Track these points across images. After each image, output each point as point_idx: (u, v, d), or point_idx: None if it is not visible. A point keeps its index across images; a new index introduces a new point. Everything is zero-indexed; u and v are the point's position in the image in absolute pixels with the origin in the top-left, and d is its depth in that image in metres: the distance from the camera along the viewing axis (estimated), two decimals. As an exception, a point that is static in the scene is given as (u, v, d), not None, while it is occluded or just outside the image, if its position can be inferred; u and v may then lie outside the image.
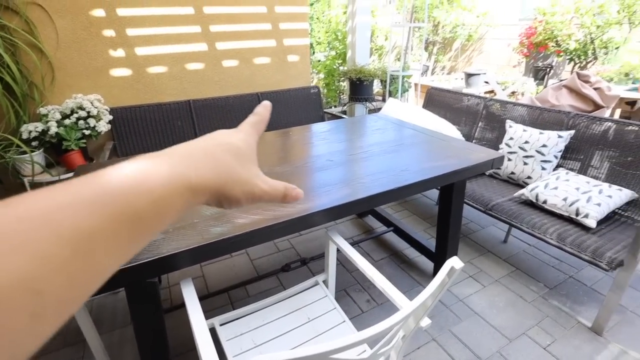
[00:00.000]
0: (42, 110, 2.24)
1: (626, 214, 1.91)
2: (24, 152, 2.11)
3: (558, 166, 2.23)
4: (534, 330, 1.71)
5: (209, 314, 1.77)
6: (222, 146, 0.31)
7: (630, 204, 1.91)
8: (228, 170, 0.29)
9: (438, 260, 2.00)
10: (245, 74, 3.06)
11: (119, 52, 2.52)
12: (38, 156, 2.21)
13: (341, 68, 4.70)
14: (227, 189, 0.29)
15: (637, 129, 1.95)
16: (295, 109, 3.21)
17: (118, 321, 1.82)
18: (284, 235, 1.27)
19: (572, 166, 2.20)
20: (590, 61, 4.53)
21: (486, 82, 4.60)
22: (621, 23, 4.17)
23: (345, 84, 4.73)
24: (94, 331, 1.53)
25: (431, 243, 2.08)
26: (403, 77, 4.31)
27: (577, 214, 1.80)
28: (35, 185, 2.25)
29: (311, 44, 5.43)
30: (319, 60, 5.23)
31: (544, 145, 2.20)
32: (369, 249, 2.36)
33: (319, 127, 2.25)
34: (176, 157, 0.27)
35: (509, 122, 2.45)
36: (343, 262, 2.20)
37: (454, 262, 0.77)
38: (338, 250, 1.41)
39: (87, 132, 2.28)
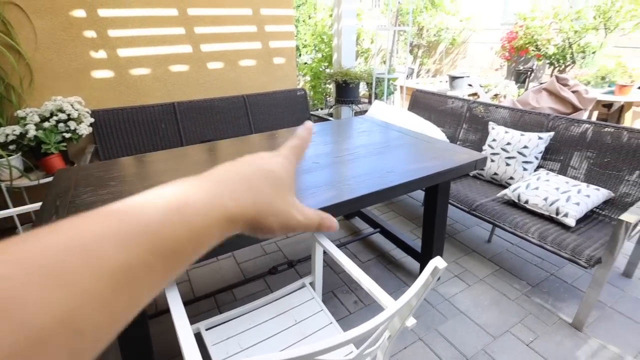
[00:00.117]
0: (20, 113, 2.18)
1: (603, 213, 1.97)
2: (1, 157, 2.05)
3: (539, 167, 2.29)
4: (517, 328, 1.74)
5: (195, 318, 1.74)
6: (261, 173, 0.30)
7: (607, 203, 1.97)
8: (265, 200, 0.29)
9: (424, 260, 2.03)
10: (230, 76, 3.05)
11: (101, 54, 2.48)
12: (16, 160, 2.15)
13: (327, 70, 4.72)
14: (262, 218, 0.28)
15: (613, 130, 2.02)
16: (282, 111, 3.20)
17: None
18: (271, 238, 1.26)
19: (552, 167, 2.26)
20: (569, 65, 4.67)
21: (470, 85, 4.68)
22: (597, 28, 4.32)
23: (331, 87, 4.75)
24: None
25: (417, 244, 2.10)
26: (389, 79, 4.35)
27: (557, 213, 1.85)
28: (13, 190, 2.19)
29: (297, 47, 5.44)
30: (306, 63, 5.24)
31: (525, 147, 2.25)
32: (356, 250, 2.37)
33: (305, 130, 2.24)
34: (214, 183, 0.26)
35: (491, 124, 2.51)
36: (330, 264, 2.20)
37: (437, 262, 0.78)
38: (325, 252, 1.41)
39: (67, 135, 2.23)
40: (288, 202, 0.31)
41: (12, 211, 1.47)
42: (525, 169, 2.25)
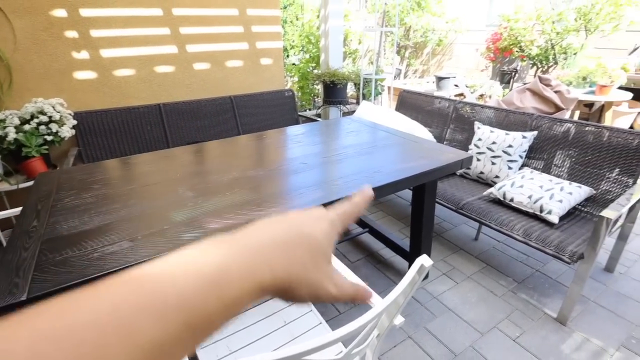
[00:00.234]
0: None
1: (585, 210, 2.02)
2: (-20, 160, 1.99)
3: (523, 165, 2.33)
4: (504, 323, 1.77)
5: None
6: (300, 238, 0.28)
7: (589, 200, 2.02)
8: (300, 270, 0.27)
9: (412, 259, 2.03)
10: (217, 77, 3.02)
11: (83, 54, 2.43)
12: (-5, 163, 2.09)
13: (315, 71, 4.72)
14: (294, 288, 0.27)
15: (594, 129, 2.07)
16: (270, 112, 3.19)
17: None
18: (258, 239, 1.25)
19: (536, 165, 2.30)
20: (552, 66, 4.77)
21: (456, 86, 4.74)
22: (578, 30, 4.42)
23: (319, 87, 4.75)
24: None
25: (406, 243, 2.11)
26: (376, 80, 4.38)
27: (541, 211, 1.88)
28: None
29: (285, 48, 5.43)
30: (294, 64, 5.23)
31: (509, 146, 2.29)
32: (346, 250, 2.38)
33: (293, 130, 2.24)
34: (249, 251, 0.25)
35: (477, 124, 2.54)
36: (319, 264, 2.20)
37: (423, 260, 0.79)
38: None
39: (49, 138, 2.17)
40: (323, 272, 0.29)
41: (-9, 216, 1.43)
42: (510, 168, 2.28)
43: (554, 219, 1.83)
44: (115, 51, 2.53)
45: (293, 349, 0.63)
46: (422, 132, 2.72)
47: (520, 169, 2.30)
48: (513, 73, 5.26)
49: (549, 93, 3.03)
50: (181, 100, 2.83)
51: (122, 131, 2.57)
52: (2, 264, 0.96)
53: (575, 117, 4.04)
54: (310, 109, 5.02)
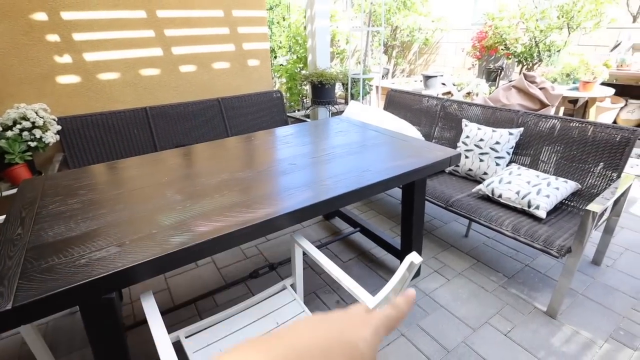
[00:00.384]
0: (-20, 122, 2.07)
1: (572, 204, 2.06)
2: (-40, 167, 1.94)
3: (511, 162, 2.36)
4: (495, 319, 1.78)
5: (175, 327, 1.70)
6: (341, 347, 0.27)
7: (575, 194, 2.05)
8: None
9: (404, 257, 2.04)
10: (204, 79, 3.00)
11: (66, 58, 2.39)
12: (-23, 171, 2.04)
13: (303, 72, 4.72)
14: None
15: (579, 125, 2.10)
16: (258, 113, 3.18)
17: (76, 343, 1.71)
18: (249, 241, 1.24)
19: (523, 161, 2.34)
20: (536, 63, 4.84)
21: (443, 84, 4.79)
22: (561, 28, 4.50)
23: (307, 88, 4.75)
24: (48, 355, 1.43)
25: (397, 241, 2.12)
26: (364, 80, 4.39)
27: (529, 206, 1.91)
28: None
29: (272, 49, 5.42)
30: (281, 65, 5.22)
31: (497, 143, 2.32)
32: (337, 250, 2.38)
33: (282, 131, 2.24)
34: (287, 357, 0.25)
35: (464, 122, 2.57)
36: (311, 265, 2.20)
37: (413, 258, 0.79)
38: (305, 253, 1.41)
39: (32, 144, 2.13)
40: None
41: (-27, 225, 1.39)
42: (498, 164, 2.31)
43: (542, 214, 1.86)
44: (99, 54, 2.49)
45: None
46: (411, 131, 2.74)
47: (508, 165, 2.33)
48: (499, 71, 5.33)
49: (534, 90, 3.08)
50: (168, 103, 2.80)
51: (108, 136, 2.53)
52: (-15, 274, 0.93)
53: (561, 113, 4.11)
54: (298, 110, 5.01)
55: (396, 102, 3.20)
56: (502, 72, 5.39)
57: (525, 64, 4.93)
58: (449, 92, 4.74)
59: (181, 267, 2.01)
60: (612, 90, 3.76)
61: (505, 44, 4.93)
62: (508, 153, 2.32)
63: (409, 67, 6.90)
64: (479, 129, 2.44)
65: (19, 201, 1.35)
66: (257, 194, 1.35)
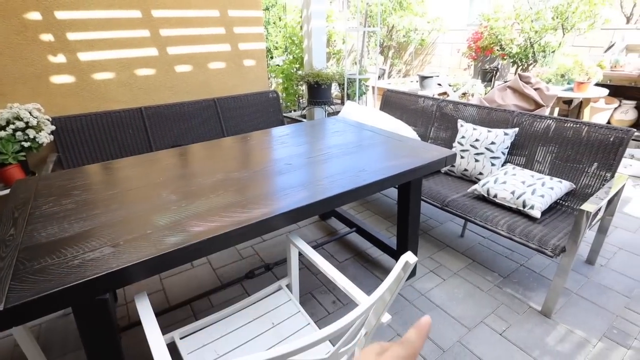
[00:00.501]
0: (-27, 122, 2.05)
1: (566, 204, 2.07)
2: (-48, 168, 1.92)
3: (506, 162, 2.37)
4: (490, 318, 1.79)
5: (170, 328, 1.69)
6: None
7: (569, 194, 2.07)
8: None
9: (400, 257, 2.05)
10: (200, 79, 2.99)
11: (60, 58, 2.37)
12: (-31, 171, 2.02)
13: (299, 72, 4.71)
14: None
15: (573, 125, 2.12)
16: (254, 114, 3.17)
17: (70, 344, 1.70)
18: (244, 241, 1.24)
19: (518, 161, 2.35)
20: (531, 64, 4.87)
21: (439, 85, 4.81)
22: (556, 28, 4.53)
23: (303, 88, 4.75)
24: (41, 357, 1.42)
25: (393, 241, 2.13)
26: (360, 80, 4.40)
27: (524, 206, 1.92)
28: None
29: (268, 49, 5.41)
30: (277, 65, 5.21)
31: (492, 143, 2.33)
32: (333, 250, 2.38)
33: (278, 132, 2.23)
34: None
35: (460, 122, 2.58)
36: (308, 265, 2.19)
37: (408, 257, 0.79)
38: (301, 253, 1.40)
39: (26, 145, 2.11)
40: None
41: (-35, 226, 1.37)
42: (493, 164, 2.32)
43: (537, 213, 1.87)
44: (93, 54, 2.48)
45: (279, 349, 0.62)
46: (407, 131, 2.74)
47: (503, 165, 2.34)
48: (494, 71, 5.35)
49: (529, 90, 3.10)
50: (163, 103, 2.78)
51: (103, 136, 2.51)
52: (-24, 275, 0.92)
53: (555, 114, 4.14)
54: (295, 110, 5.01)
55: (392, 103, 3.20)
56: (498, 73, 5.41)
57: (520, 64, 4.96)
58: (444, 93, 4.75)
59: (176, 268, 2.00)
60: (606, 91, 3.78)
61: (501, 45, 4.96)
62: (503, 153, 2.33)
63: (405, 67, 6.92)
64: (474, 129, 2.45)
65: (12, 202, 1.34)
66: (252, 194, 1.34)
